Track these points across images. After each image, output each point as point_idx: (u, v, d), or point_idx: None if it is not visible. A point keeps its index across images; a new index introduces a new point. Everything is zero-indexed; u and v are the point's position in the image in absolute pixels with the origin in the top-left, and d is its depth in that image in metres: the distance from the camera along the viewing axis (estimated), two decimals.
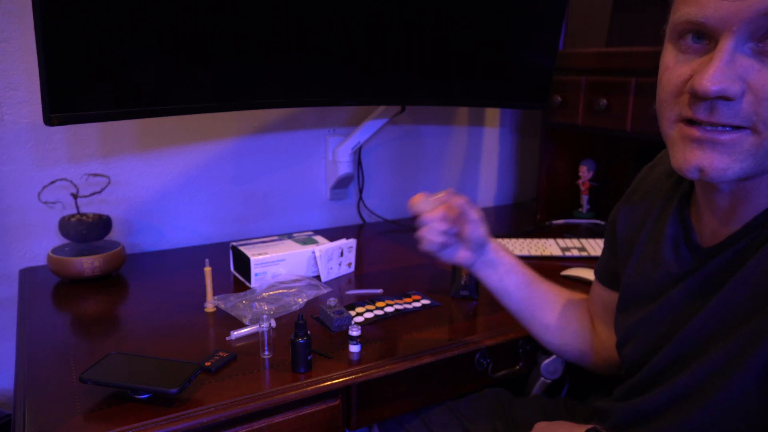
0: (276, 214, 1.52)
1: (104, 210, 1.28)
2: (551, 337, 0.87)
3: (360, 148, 1.55)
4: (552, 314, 0.86)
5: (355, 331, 0.86)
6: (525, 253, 1.32)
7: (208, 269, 1.01)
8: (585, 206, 1.67)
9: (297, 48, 1.17)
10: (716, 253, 0.60)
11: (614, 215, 0.80)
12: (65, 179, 1.19)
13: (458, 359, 0.93)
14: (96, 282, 1.14)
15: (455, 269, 1.09)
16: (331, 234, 1.39)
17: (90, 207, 1.26)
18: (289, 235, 1.25)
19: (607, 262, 0.83)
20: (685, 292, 0.63)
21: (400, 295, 1.09)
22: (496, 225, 1.65)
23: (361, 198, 1.63)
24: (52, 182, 1.17)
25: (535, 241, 1.39)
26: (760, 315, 0.54)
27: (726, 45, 0.51)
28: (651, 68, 1.25)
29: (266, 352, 0.85)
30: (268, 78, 1.17)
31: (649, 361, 0.66)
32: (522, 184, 1.96)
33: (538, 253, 1.32)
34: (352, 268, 1.23)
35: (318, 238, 1.23)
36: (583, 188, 1.65)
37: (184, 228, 1.41)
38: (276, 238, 1.23)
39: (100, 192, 1.22)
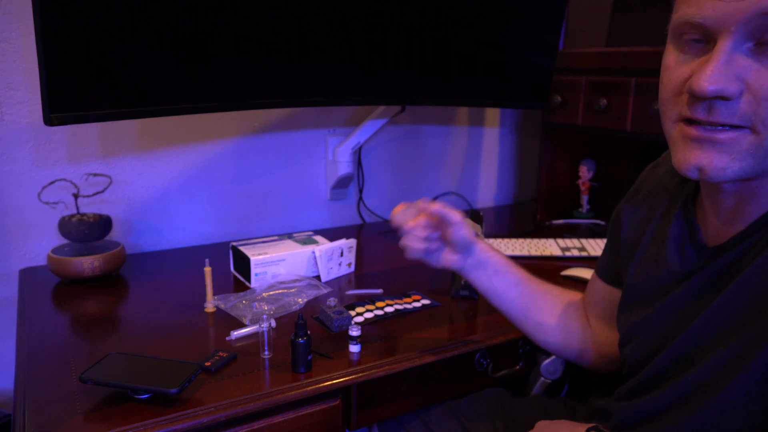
0: (276, 214, 1.52)
1: (104, 210, 1.28)
2: (545, 336, 0.87)
3: (360, 148, 1.55)
4: (544, 313, 0.86)
5: (355, 331, 0.86)
6: (525, 253, 1.32)
7: (208, 269, 1.01)
8: (585, 206, 1.67)
9: (297, 48, 1.17)
10: (721, 253, 0.60)
11: (617, 214, 0.80)
12: (65, 179, 1.19)
13: (458, 359, 0.93)
14: (96, 282, 1.14)
15: None
16: (331, 234, 1.39)
17: (90, 207, 1.26)
18: (289, 235, 1.25)
19: (609, 259, 0.83)
20: (689, 292, 0.63)
21: (400, 295, 1.09)
22: (496, 225, 1.65)
23: (361, 198, 1.63)
24: (52, 182, 1.17)
25: (535, 241, 1.39)
26: (764, 315, 0.54)
27: (724, 45, 0.51)
28: (651, 68, 1.25)
29: (266, 352, 0.85)
30: (268, 78, 1.17)
31: (651, 361, 0.66)
32: (522, 184, 1.96)
33: (538, 253, 1.32)
34: (352, 268, 1.23)
35: (318, 238, 1.23)
36: (583, 188, 1.65)
37: (184, 228, 1.41)
38: (276, 238, 1.23)
39: (103, 191, 1.22)
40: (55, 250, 1.14)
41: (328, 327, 0.94)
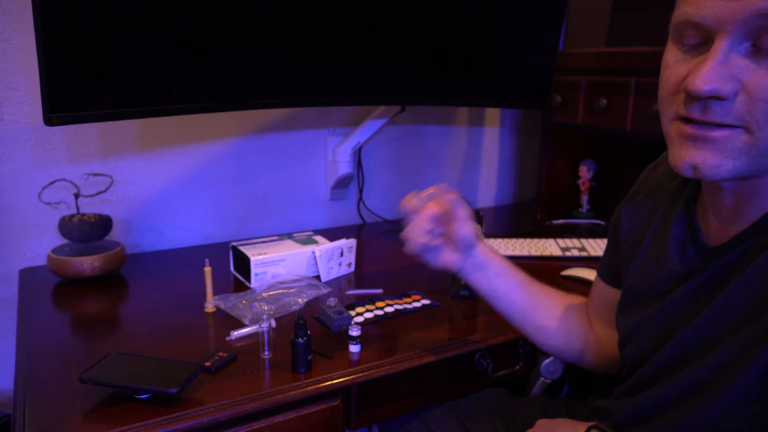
0: (276, 214, 1.52)
1: (104, 210, 1.28)
2: (546, 339, 0.87)
3: (360, 148, 1.55)
4: (546, 315, 0.86)
5: (355, 331, 0.86)
6: (525, 253, 1.32)
7: (208, 269, 1.01)
8: (585, 206, 1.67)
9: (297, 48, 1.17)
10: (721, 253, 0.60)
11: (618, 214, 0.80)
12: (65, 180, 1.19)
13: (458, 359, 0.93)
14: (96, 282, 1.14)
15: None
16: (331, 234, 1.39)
17: (90, 207, 1.26)
18: (289, 235, 1.25)
19: (610, 260, 0.83)
20: (690, 292, 0.63)
21: (400, 295, 1.09)
22: (496, 225, 1.65)
23: (361, 198, 1.63)
24: (52, 182, 1.17)
25: (535, 241, 1.39)
26: (764, 315, 0.54)
27: (720, 45, 0.51)
28: (651, 68, 1.25)
29: (266, 352, 0.85)
30: (268, 78, 1.17)
31: (651, 361, 0.66)
32: (522, 184, 1.96)
33: (538, 253, 1.32)
34: (352, 268, 1.23)
35: (318, 238, 1.23)
36: (583, 188, 1.65)
37: (184, 228, 1.41)
38: (276, 238, 1.23)
39: (105, 191, 1.22)
40: (55, 250, 1.14)
41: (328, 327, 0.94)
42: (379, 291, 1.11)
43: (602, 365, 0.87)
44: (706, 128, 0.54)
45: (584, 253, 1.33)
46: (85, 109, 0.98)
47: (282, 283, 1.11)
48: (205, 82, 1.10)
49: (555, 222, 1.62)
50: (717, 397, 0.57)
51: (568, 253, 1.33)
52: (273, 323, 0.92)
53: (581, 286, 1.13)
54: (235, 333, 0.91)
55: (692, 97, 0.53)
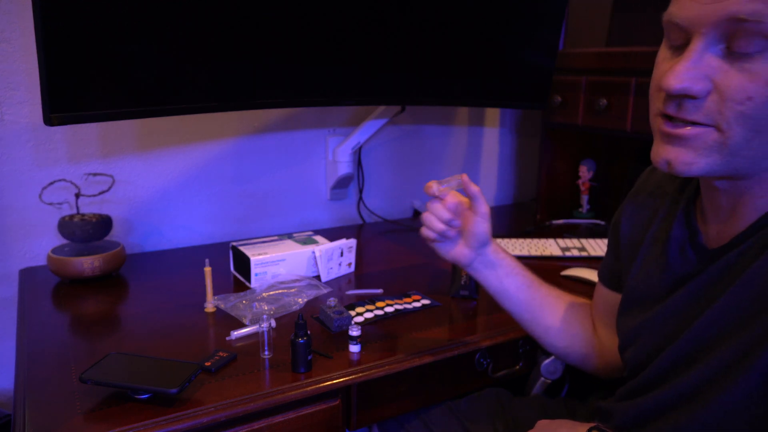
0: (276, 214, 1.52)
1: (104, 210, 1.28)
2: (553, 340, 0.87)
3: (360, 148, 1.55)
4: (553, 317, 0.86)
5: (355, 331, 0.87)
6: (525, 253, 1.32)
7: (208, 269, 1.01)
8: (585, 206, 1.67)
9: (297, 48, 1.17)
10: (721, 255, 0.60)
11: (618, 216, 0.80)
12: (65, 180, 1.19)
13: (458, 359, 0.93)
14: (96, 282, 1.14)
15: (455, 269, 1.09)
16: (331, 234, 1.39)
17: (90, 207, 1.26)
18: (289, 235, 1.25)
19: (609, 264, 0.83)
20: (690, 294, 0.63)
21: (400, 295, 1.09)
22: (496, 225, 1.65)
23: (361, 198, 1.63)
24: (52, 183, 1.17)
25: (535, 241, 1.39)
26: (765, 317, 0.54)
27: (695, 45, 0.53)
28: (651, 68, 1.24)
29: (266, 352, 0.85)
30: (268, 78, 1.17)
31: (652, 363, 0.66)
32: (522, 184, 1.96)
33: (538, 253, 1.32)
34: (352, 268, 1.23)
35: (318, 238, 1.23)
36: (583, 188, 1.65)
37: (184, 228, 1.41)
38: (276, 238, 1.23)
39: (107, 190, 1.22)
40: (55, 250, 1.14)
41: (328, 327, 0.94)
42: (379, 291, 1.11)
43: (605, 370, 0.87)
44: (679, 126, 0.56)
45: (584, 253, 1.33)
46: (85, 109, 0.98)
47: (282, 283, 1.11)
48: (205, 82, 1.10)
49: (555, 222, 1.62)
50: (718, 398, 0.57)
51: (568, 253, 1.33)
52: (273, 323, 0.92)
53: (581, 286, 1.13)
54: (235, 333, 0.91)
55: (669, 95, 0.55)
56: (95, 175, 1.25)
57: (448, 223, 0.80)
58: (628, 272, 0.74)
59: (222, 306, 1.02)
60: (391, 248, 1.39)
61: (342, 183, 1.57)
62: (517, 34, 1.38)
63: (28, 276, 1.18)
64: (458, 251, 0.83)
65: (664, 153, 0.57)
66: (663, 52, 0.59)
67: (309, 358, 0.82)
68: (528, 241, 1.39)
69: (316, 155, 1.55)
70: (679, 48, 0.56)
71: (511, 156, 1.91)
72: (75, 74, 0.96)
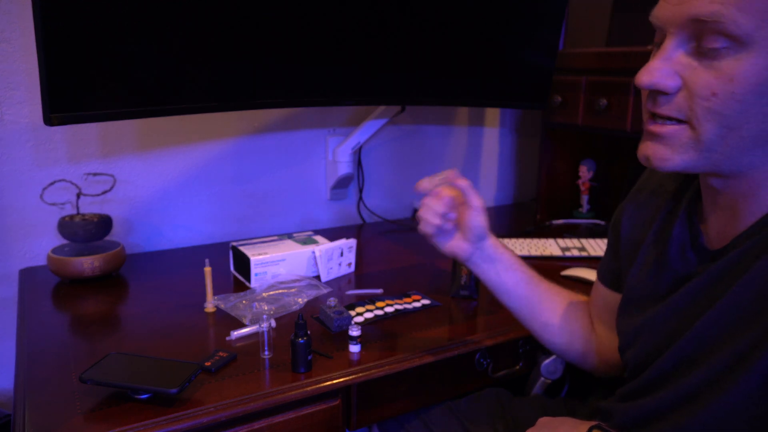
0: (276, 214, 1.52)
1: (104, 210, 1.28)
2: (551, 336, 0.87)
3: (360, 148, 1.55)
4: (552, 313, 0.86)
5: (355, 331, 0.87)
6: (525, 253, 1.32)
7: (208, 269, 1.01)
8: (585, 206, 1.67)
9: (297, 48, 1.17)
10: (721, 256, 0.60)
11: (618, 216, 0.80)
12: (65, 180, 1.19)
13: (458, 359, 0.93)
14: (96, 282, 1.14)
15: (455, 269, 1.09)
16: (331, 234, 1.39)
17: (90, 207, 1.26)
18: (289, 235, 1.25)
19: (609, 263, 0.83)
20: (690, 295, 0.63)
21: (400, 295, 1.09)
22: (496, 225, 1.65)
23: (361, 198, 1.63)
24: (52, 183, 1.17)
25: (535, 241, 1.39)
26: (765, 318, 0.54)
27: (667, 43, 0.57)
28: None
29: (266, 352, 0.85)
30: (268, 78, 1.17)
31: (653, 363, 0.66)
32: (522, 184, 1.96)
33: (538, 253, 1.32)
34: (352, 268, 1.23)
35: (318, 238, 1.23)
36: (583, 188, 1.65)
37: (184, 228, 1.41)
38: (276, 238, 1.23)
39: (110, 190, 1.22)
40: (55, 250, 1.14)
41: (328, 327, 0.94)
42: (379, 291, 1.11)
43: (603, 368, 0.87)
44: (657, 124, 0.59)
45: (584, 253, 1.33)
46: (85, 109, 0.98)
47: (282, 283, 1.11)
48: (205, 82, 1.10)
49: (555, 222, 1.62)
50: (719, 399, 0.57)
51: (568, 253, 1.33)
52: (273, 323, 0.92)
53: (581, 286, 1.13)
54: (235, 333, 0.91)
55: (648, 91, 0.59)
56: (95, 174, 1.25)
57: (443, 216, 0.80)
58: (628, 272, 0.74)
59: (222, 306, 1.02)
60: (391, 248, 1.39)
61: (342, 183, 1.57)
62: (517, 34, 1.38)
63: (28, 276, 1.18)
64: (456, 245, 0.83)
65: (644, 149, 0.60)
66: (652, 51, 0.61)
67: (309, 358, 0.82)
68: (528, 241, 1.39)
69: (316, 155, 1.55)
70: (659, 44, 0.59)
71: (511, 156, 1.91)
72: (75, 74, 0.96)
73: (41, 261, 1.25)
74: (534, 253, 1.33)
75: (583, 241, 1.40)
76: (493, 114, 1.84)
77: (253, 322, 0.95)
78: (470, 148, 1.82)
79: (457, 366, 0.95)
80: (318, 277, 1.17)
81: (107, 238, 1.22)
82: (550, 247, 1.35)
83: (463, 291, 1.09)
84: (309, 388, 0.79)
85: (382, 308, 1.03)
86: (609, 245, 0.83)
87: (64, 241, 1.21)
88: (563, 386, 1.05)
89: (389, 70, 1.29)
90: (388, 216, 1.66)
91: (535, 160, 1.82)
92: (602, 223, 1.61)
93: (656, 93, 0.58)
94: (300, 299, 1.04)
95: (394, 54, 1.28)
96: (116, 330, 0.95)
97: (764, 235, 0.57)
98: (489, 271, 0.84)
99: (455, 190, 0.80)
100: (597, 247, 1.36)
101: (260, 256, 1.10)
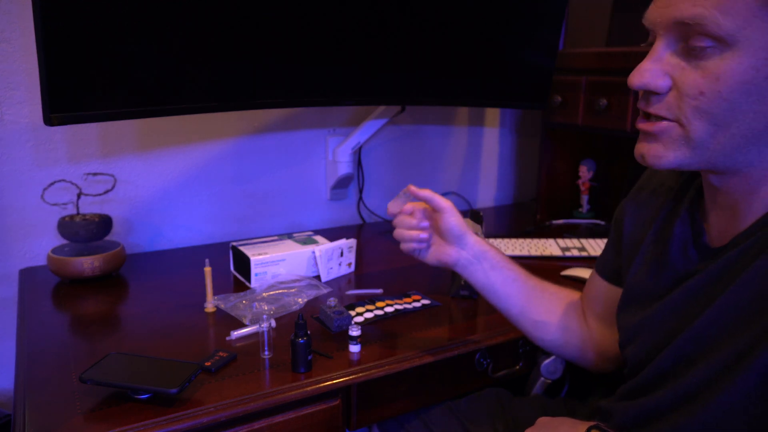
0: (276, 214, 1.52)
1: (104, 210, 1.28)
2: (543, 334, 0.87)
3: (360, 148, 1.55)
4: (542, 310, 0.86)
5: (355, 331, 0.87)
6: (525, 253, 1.32)
7: (208, 269, 1.01)
8: (585, 206, 1.67)
9: (297, 48, 1.17)
10: (722, 254, 0.61)
11: (620, 213, 0.80)
12: (66, 180, 1.19)
13: (458, 359, 0.93)
14: (96, 282, 1.14)
15: None
16: (331, 234, 1.39)
17: (90, 207, 1.26)
18: (289, 235, 1.25)
19: (610, 259, 0.83)
20: (690, 293, 0.63)
21: (400, 295, 1.09)
22: (496, 225, 1.65)
23: (361, 198, 1.63)
24: (53, 183, 1.17)
25: (535, 241, 1.39)
26: (764, 316, 0.54)
27: (657, 45, 0.58)
28: None
29: (266, 352, 0.85)
30: (269, 78, 1.17)
31: (652, 361, 0.66)
32: (522, 184, 1.96)
33: (538, 253, 1.32)
34: (352, 268, 1.23)
35: (318, 238, 1.23)
36: (583, 188, 1.65)
37: (184, 228, 1.41)
38: (276, 238, 1.23)
39: (111, 189, 1.22)
40: (55, 250, 1.14)
41: (328, 327, 0.94)
42: (379, 291, 1.11)
43: (600, 363, 0.87)
44: (649, 122, 0.60)
45: (584, 253, 1.33)
46: (85, 109, 0.98)
47: (282, 283, 1.11)
48: (205, 82, 1.10)
49: (555, 222, 1.62)
50: (717, 398, 0.57)
51: (568, 253, 1.33)
52: (273, 323, 0.92)
53: (581, 286, 1.12)
54: (235, 333, 0.91)
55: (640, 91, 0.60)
56: (95, 174, 1.25)
57: (417, 227, 0.82)
58: (629, 268, 0.74)
59: (222, 306, 1.02)
60: (391, 248, 1.39)
61: (342, 183, 1.57)
62: (517, 34, 1.38)
63: (28, 276, 1.18)
64: (440, 251, 0.83)
65: (639, 148, 0.62)
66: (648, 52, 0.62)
67: (309, 358, 0.82)
68: (528, 241, 1.39)
69: (316, 155, 1.55)
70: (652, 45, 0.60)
71: (511, 156, 1.92)
72: (75, 74, 0.96)
73: (41, 261, 1.25)
74: (534, 253, 1.33)
75: (583, 241, 1.40)
76: (493, 114, 1.84)
77: (253, 322, 0.95)
78: (470, 148, 1.82)
79: (457, 366, 0.95)
80: (318, 277, 1.17)
81: (107, 238, 1.22)
82: (550, 247, 1.35)
83: (463, 291, 1.09)
84: (309, 388, 0.79)
85: (382, 308, 1.03)
86: (610, 241, 0.83)
87: (64, 241, 1.21)
88: (563, 386, 1.05)
89: (389, 70, 1.29)
90: (388, 216, 1.66)
91: (535, 160, 1.82)
92: (602, 223, 1.61)
93: (648, 93, 0.59)
94: (300, 299, 1.04)
95: (394, 54, 1.28)
96: (116, 330, 0.95)
97: (764, 234, 0.57)
98: (477, 272, 0.84)
99: (421, 203, 0.82)
100: (597, 247, 1.36)
101: (260, 256, 1.10)
